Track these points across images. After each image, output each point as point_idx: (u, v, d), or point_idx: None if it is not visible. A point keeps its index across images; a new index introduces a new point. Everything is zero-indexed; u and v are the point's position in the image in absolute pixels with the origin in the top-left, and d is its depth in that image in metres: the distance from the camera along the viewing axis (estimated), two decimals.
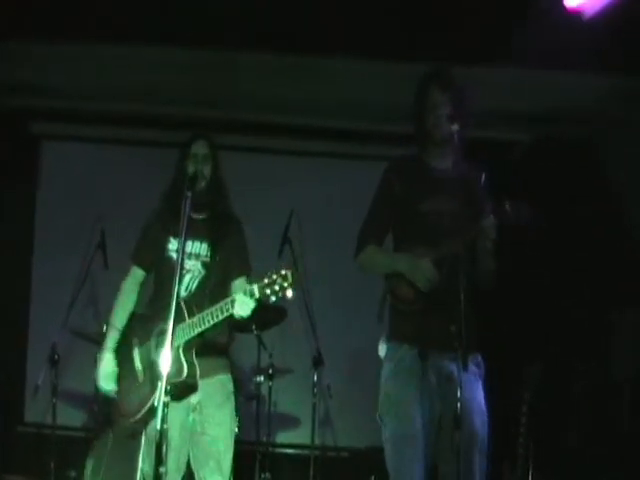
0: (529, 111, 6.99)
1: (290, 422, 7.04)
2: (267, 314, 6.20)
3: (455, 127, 4.01)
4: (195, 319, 4.15)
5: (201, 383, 4.32)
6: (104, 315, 6.97)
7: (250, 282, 4.02)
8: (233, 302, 4.02)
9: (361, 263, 4.24)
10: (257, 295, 3.94)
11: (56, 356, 6.10)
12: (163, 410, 3.74)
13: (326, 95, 7.05)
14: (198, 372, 4.24)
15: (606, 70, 6.24)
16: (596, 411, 6.49)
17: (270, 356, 6.38)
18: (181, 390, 4.25)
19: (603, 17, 5.30)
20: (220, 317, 4.08)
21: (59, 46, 6.40)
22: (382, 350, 4.14)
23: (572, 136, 7.34)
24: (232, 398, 4.48)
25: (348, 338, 7.32)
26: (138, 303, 4.63)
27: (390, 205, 4.19)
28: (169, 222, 4.35)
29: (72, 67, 6.75)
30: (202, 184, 4.38)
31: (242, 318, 4.09)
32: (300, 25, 5.96)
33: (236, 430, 4.57)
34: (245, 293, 3.97)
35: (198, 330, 4.15)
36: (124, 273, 6.74)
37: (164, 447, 3.81)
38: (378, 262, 4.20)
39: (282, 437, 7.11)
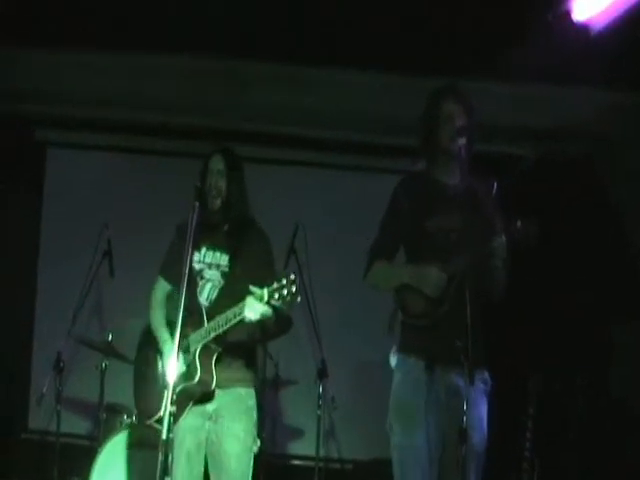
0: (531, 126, 6.97)
1: (294, 433, 7.01)
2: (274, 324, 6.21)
3: (462, 141, 4.01)
4: (212, 324, 4.23)
5: (218, 392, 4.34)
6: (109, 323, 7.06)
7: (261, 286, 4.02)
8: (244, 306, 4.08)
9: (369, 281, 4.24)
10: (266, 298, 3.98)
11: (61, 364, 6.10)
12: (169, 419, 3.74)
13: (330, 106, 7.04)
14: (214, 381, 4.27)
15: (611, 86, 6.24)
16: (600, 425, 6.48)
17: (275, 366, 6.37)
18: (193, 394, 4.30)
19: (611, 31, 5.30)
20: (232, 321, 4.16)
21: (64, 54, 6.41)
22: (393, 361, 4.18)
23: (575, 152, 7.33)
24: (252, 414, 4.44)
25: (353, 350, 7.30)
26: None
27: (398, 224, 4.17)
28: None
29: (77, 75, 6.75)
30: (217, 200, 4.43)
31: (251, 322, 4.14)
32: (304, 35, 5.97)
33: (255, 449, 4.46)
34: (255, 297, 4.01)
35: (213, 334, 4.22)
36: (130, 281, 6.84)
37: (170, 456, 3.82)
38: (385, 276, 4.19)
39: (286, 448, 7.09)
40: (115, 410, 6.07)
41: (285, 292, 3.93)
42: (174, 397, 3.93)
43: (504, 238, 3.89)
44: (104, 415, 6.07)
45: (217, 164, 4.47)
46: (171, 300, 4.60)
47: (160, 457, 3.72)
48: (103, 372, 6.15)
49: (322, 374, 6.32)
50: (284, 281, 3.94)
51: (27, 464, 6.96)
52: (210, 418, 4.37)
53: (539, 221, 3.86)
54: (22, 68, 6.63)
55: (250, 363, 4.52)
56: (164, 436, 3.72)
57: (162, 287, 4.64)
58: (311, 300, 6.49)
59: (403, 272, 4.11)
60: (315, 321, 6.55)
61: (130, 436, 5.64)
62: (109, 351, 6.14)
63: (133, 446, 5.63)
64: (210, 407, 4.36)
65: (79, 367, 6.76)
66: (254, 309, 4.06)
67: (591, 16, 5.27)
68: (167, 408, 3.74)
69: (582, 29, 5.33)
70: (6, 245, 7.45)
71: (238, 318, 4.13)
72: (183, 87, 6.82)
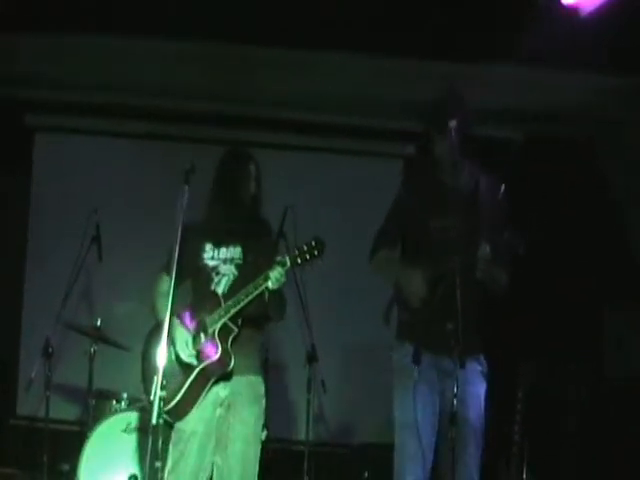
0: (526, 109, 6.97)
1: (284, 418, 7.02)
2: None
3: (453, 123, 4.06)
4: (230, 302, 4.29)
5: (232, 378, 4.38)
6: (98, 308, 7.04)
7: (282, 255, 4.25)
8: (267, 277, 4.19)
9: (373, 268, 4.47)
10: (288, 264, 4.17)
11: (50, 349, 6.08)
12: (159, 404, 3.76)
13: (323, 90, 7.04)
14: (232, 361, 4.30)
15: (604, 69, 6.22)
16: (590, 409, 6.50)
17: (265, 351, 6.36)
18: (212, 373, 4.31)
19: (600, 14, 5.29)
20: (254, 293, 4.24)
21: (54, 38, 6.36)
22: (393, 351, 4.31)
23: (569, 135, 7.33)
24: (262, 402, 4.51)
25: (342, 334, 7.32)
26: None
27: (401, 219, 4.36)
28: (205, 230, 4.48)
29: (67, 59, 6.72)
30: (248, 198, 4.53)
31: (271, 291, 4.25)
32: (305, 20, 5.93)
33: (263, 437, 4.55)
34: (277, 263, 4.18)
35: (233, 310, 4.28)
36: (119, 266, 6.82)
37: (159, 442, 3.82)
38: (384, 270, 4.43)
39: (276, 432, 7.08)
40: (104, 395, 6.05)
41: (308, 256, 4.18)
42: (192, 377, 4.21)
43: (488, 248, 4.00)
44: (93, 400, 6.05)
45: (253, 172, 4.56)
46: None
47: (149, 441, 3.74)
48: (92, 357, 6.12)
49: (312, 358, 6.32)
50: (305, 247, 4.19)
51: (16, 450, 6.97)
52: (222, 405, 4.38)
53: (527, 233, 3.95)
54: (11, 52, 6.58)
55: (258, 350, 4.59)
56: (154, 421, 3.74)
57: (166, 283, 4.57)
58: (301, 284, 6.48)
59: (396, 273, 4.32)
60: (305, 305, 6.54)
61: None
62: (98, 336, 6.12)
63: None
64: (223, 393, 4.38)
65: (68, 352, 6.73)
66: (277, 277, 4.18)
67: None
68: (157, 393, 3.75)
69: (571, 11, 5.33)
70: None
71: (260, 289, 4.22)
72: (177, 71, 6.78)
